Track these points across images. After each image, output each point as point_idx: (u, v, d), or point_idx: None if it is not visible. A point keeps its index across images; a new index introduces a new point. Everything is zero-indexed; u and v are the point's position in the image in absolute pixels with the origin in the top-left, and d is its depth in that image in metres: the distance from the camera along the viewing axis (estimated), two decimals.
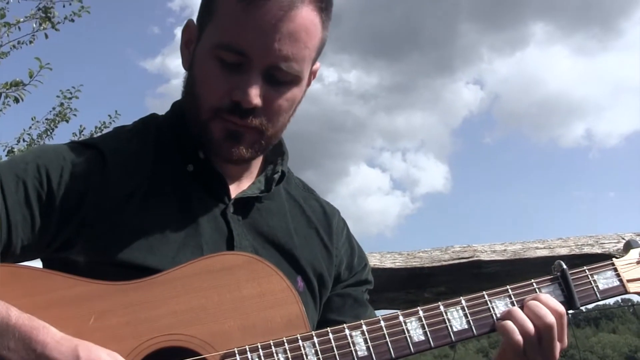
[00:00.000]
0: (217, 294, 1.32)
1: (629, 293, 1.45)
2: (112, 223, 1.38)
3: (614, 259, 1.46)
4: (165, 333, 1.28)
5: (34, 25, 6.72)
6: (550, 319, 1.35)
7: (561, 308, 1.38)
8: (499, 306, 1.38)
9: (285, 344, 1.29)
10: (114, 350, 1.24)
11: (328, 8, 1.43)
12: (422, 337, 1.34)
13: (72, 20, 6.96)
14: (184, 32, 1.50)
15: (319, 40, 1.43)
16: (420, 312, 1.36)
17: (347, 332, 1.32)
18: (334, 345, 1.30)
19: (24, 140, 7.75)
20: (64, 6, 6.79)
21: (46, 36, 6.81)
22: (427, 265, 2.56)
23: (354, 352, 1.31)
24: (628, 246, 1.49)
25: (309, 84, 1.51)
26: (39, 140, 7.71)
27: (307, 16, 1.38)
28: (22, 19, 6.66)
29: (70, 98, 7.83)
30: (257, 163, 1.56)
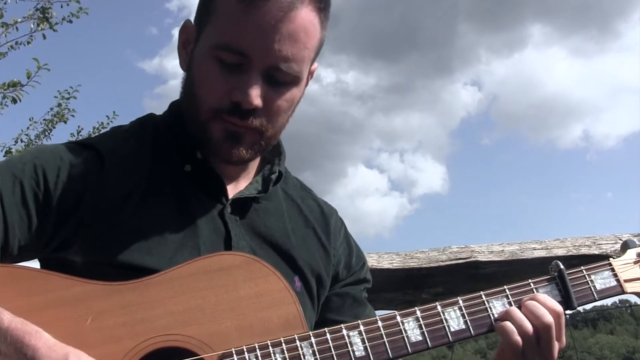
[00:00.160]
0: (214, 294, 1.32)
1: (626, 293, 1.45)
2: (109, 223, 1.38)
3: (611, 259, 1.47)
4: (163, 333, 1.28)
5: (32, 25, 6.72)
6: (548, 318, 1.35)
7: (559, 307, 1.38)
8: (497, 306, 1.38)
9: (283, 344, 1.29)
10: (111, 350, 1.25)
11: (326, 8, 1.43)
12: (420, 338, 1.34)
13: (70, 21, 6.97)
14: (181, 32, 1.50)
15: (317, 41, 1.44)
16: (418, 312, 1.36)
17: (344, 332, 1.32)
18: (331, 346, 1.30)
19: (21, 141, 7.74)
20: (61, 7, 6.79)
21: (44, 37, 6.81)
22: (425, 265, 2.56)
23: (351, 352, 1.31)
24: (625, 246, 1.49)
25: (307, 84, 1.51)
26: (37, 140, 7.70)
27: (306, 17, 1.38)
28: (19, 20, 6.66)
29: (68, 98, 7.83)
30: (254, 163, 1.56)
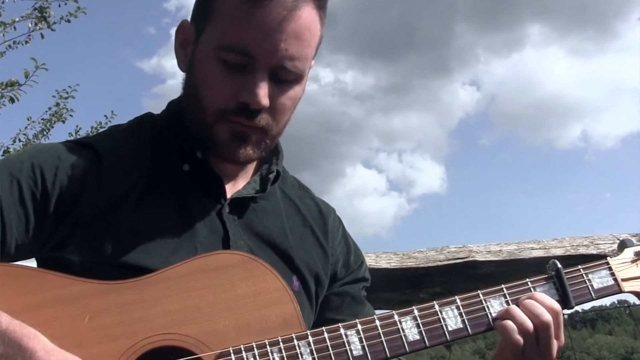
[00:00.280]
0: (211, 293, 1.31)
1: (624, 292, 1.45)
2: (107, 223, 1.37)
3: (608, 258, 1.47)
4: (160, 332, 1.28)
5: (30, 25, 6.71)
6: (547, 317, 1.35)
7: (557, 306, 1.38)
8: (494, 305, 1.38)
9: (280, 343, 1.29)
10: (108, 349, 1.25)
11: (324, 5, 1.44)
12: (417, 337, 1.34)
13: (68, 21, 6.96)
14: (178, 32, 1.50)
15: (318, 38, 1.44)
16: (415, 312, 1.36)
17: (342, 331, 1.32)
18: (329, 345, 1.30)
19: (19, 141, 7.73)
20: (59, 6, 6.78)
21: (42, 36, 6.81)
22: (423, 265, 2.56)
23: (349, 351, 1.31)
24: (623, 245, 1.49)
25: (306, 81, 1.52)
26: (35, 140, 7.68)
27: (308, 15, 1.39)
28: (17, 19, 6.65)
29: (66, 98, 7.81)
30: (252, 163, 1.56)
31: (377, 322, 1.34)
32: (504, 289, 1.40)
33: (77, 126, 8.22)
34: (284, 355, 1.28)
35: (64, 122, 7.85)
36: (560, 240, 2.70)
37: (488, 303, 1.38)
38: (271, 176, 1.56)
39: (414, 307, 1.37)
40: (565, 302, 1.41)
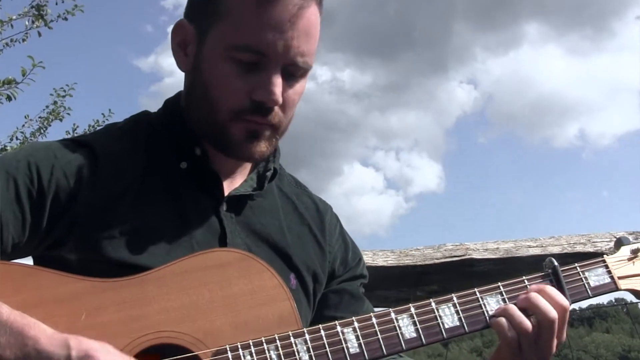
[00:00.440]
0: (208, 290, 1.31)
1: (620, 290, 1.45)
2: (103, 221, 1.37)
3: (605, 256, 1.47)
4: (157, 330, 1.28)
5: (27, 23, 6.68)
6: (553, 314, 1.35)
7: (566, 303, 1.37)
8: (490, 303, 1.38)
9: (277, 340, 1.29)
10: None
11: (322, 2, 1.46)
12: (414, 334, 1.34)
13: (66, 19, 6.93)
14: (176, 32, 1.48)
15: (319, 34, 1.46)
16: (412, 309, 1.36)
17: (338, 328, 1.32)
18: (325, 342, 1.30)
19: (17, 139, 7.70)
20: (56, 4, 6.76)
21: (39, 34, 6.78)
22: (420, 263, 2.56)
23: (345, 349, 1.31)
24: (619, 243, 1.49)
25: None
26: (32, 138, 7.65)
27: (314, 11, 1.41)
28: (14, 17, 6.62)
29: (63, 96, 7.79)
30: (251, 160, 1.56)
31: (374, 320, 1.34)
32: (501, 287, 1.40)
33: (74, 124, 8.19)
34: (281, 353, 1.28)
35: (61, 120, 7.83)
36: (557, 238, 2.71)
37: (484, 301, 1.38)
38: (268, 174, 1.56)
39: (410, 304, 1.36)
40: None
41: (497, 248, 2.62)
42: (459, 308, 1.37)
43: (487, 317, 1.37)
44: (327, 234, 1.62)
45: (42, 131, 7.86)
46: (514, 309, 1.36)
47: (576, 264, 1.44)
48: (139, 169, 1.45)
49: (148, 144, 1.49)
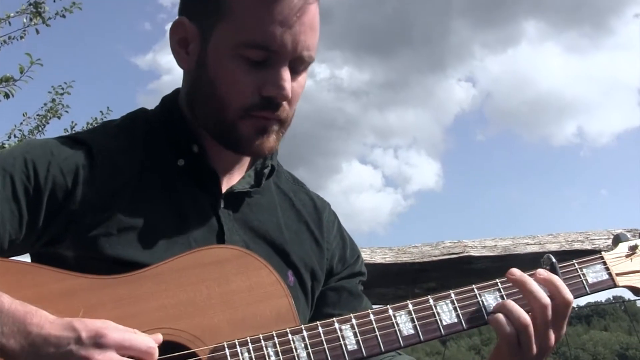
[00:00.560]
0: (206, 287, 1.31)
1: (618, 286, 1.44)
2: (100, 219, 1.37)
3: (603, 252, 1.46)
4: (154, 327, 1.27)
5: (25, 20, 6.68)
6: (546, 299, 1.34)
7: (570, 297, 1.36)
8: (488, 300, 1.38)
9: (275, 337, 1.29)
10: None
11: None
12: (412, 331, 1.34)
13: (63, 16, 6.92)
14: (175, 30, 1.47)
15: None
16: (410, 306, 1.36)
17: (336, 325, 1.32)
18: (323, 339, 1.30)
19: (15, 136, 7.70)
20: (54, 1, 6.75)
21: (37, 32, 6.77)
22: (418, 260, 2.56)
23: (343, 346, 1.30)
24: (617, 240, 1.49)
25: None
26: (30, 136, 7.65)
27: (316, 5, 1.42)
28: (12, 14, 6.61)
29: (62, 94, 7.79)
30: (247, 157, 1.55)
31: (372, 317, 1.34)
32: (499, 284, 1.40)
33: (72, 122, 8.19)
34: (278, 350, 1.28)
35: (59, 118, 7.83)
36: (555, 235, 2.71)
37: (482, 297, 1.38)
38: (266, 171, 1.56)
39: (408, 301, 1.36)
40: None
41: (495, 245, 2.62)
42: (456, 305, 1.37)
43: (485, 314, 1.37)
44: (325, 231, 1.62)
45: (40, 129, 7.85)
46: (511, 304, 1.36)
47: (574, 261, 1.44)
48: (136, 166, 1.44)
49: (145, 141, 1.49)
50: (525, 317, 1.34)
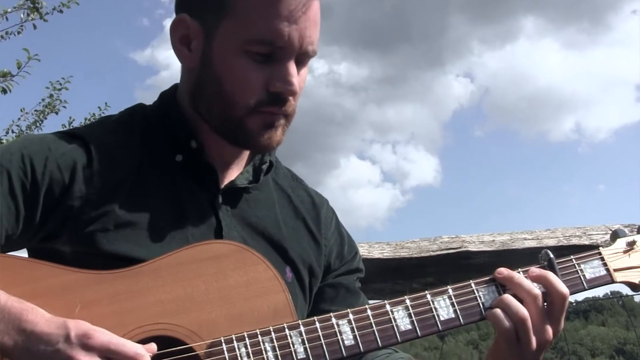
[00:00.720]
0: (203, 282, 1.31)
1: (616, 282, 1.44)
2: (98, 214, 1.37)
3: (600, 248, 1.46)
4: (152, 322, 1.28)
5: (22, 15, 6.66)
6: (535, 290, 1.35)
7: (565, 290, 1.37)
8: (486, 295, 1.38)
9: (272, 333, 1.29)
10: None
11: None
12: (409, 326, 1.34)
13: (61, 12, 6.90)
14: (177, 28, 1.46)
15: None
16: (407, 301, 1.36)
17: (334, 321, 1.32)
18: (320, 335, 1.30)
19: (12, 132, 7.68)
20: None
21: (34, 27, 6.75)
22: (416, 255, 2.56)
23: (340, 340, 1.30)
24: (615, 235, 1.49)
25: None
26: (28, 131, 7.61)
27: (318, 0, 1.42)
28: (9, 10, 6.59)
29: (59, 89, 7.77)
30: (245, 152, 1.55)
31: (369, 312, 1.34)
32: (496, 279, 1.40)
33: (70, 117, 8.16)
34: (276, 345, 1.28)
35: (57, 113, 7.80)
36: (553, 230, 2.71)
37: (480, 293, 1.38)
38: (264, 167, 1.56)
39: (405, 297, 1.36)
40: None
41: (493, 240, 2.62)
42: (454, 300, 1.37)
43: (483, 309, 1.37)
44: (323, 228, 1.62)
45: (38, 124, 7.83)
46: (509, 298, 1.36)
47: (572, 256, 1.44)
48: (134, 162, 1.44)
49: (143, 136, 1.48)
50: (523, 311, 1.34)
